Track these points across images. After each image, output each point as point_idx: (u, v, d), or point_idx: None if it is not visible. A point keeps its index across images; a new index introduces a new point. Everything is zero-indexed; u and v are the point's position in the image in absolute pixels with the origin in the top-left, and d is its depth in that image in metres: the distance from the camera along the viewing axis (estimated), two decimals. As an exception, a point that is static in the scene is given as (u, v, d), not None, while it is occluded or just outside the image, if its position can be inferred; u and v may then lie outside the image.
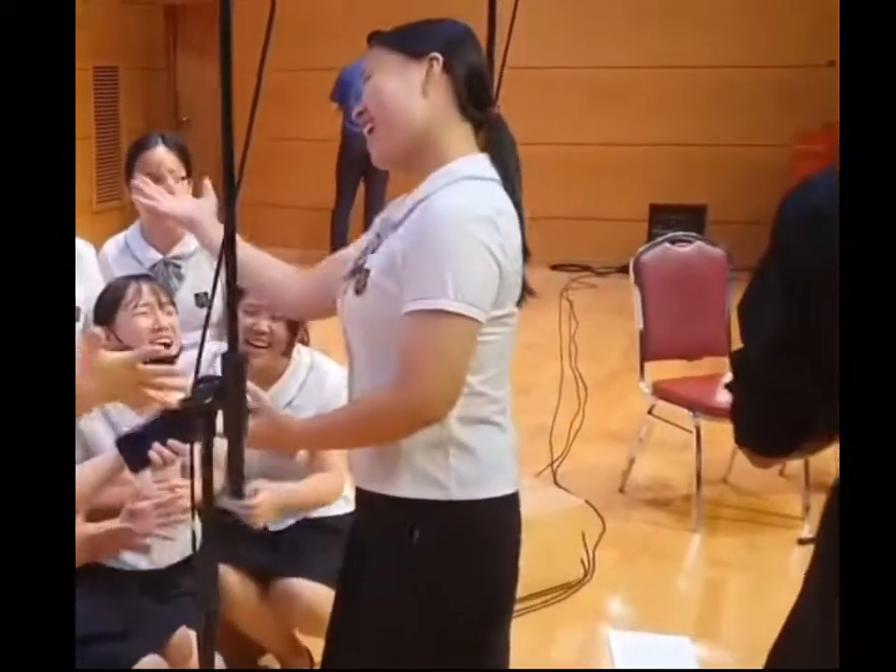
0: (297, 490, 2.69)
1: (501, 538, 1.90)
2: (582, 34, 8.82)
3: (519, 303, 1.87)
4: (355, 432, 1.86)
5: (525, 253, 1.86)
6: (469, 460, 1.83)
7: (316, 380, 2.78)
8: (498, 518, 1.89)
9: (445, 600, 1.85)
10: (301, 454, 2.55)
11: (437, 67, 1.83)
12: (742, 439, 1.48)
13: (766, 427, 1.44)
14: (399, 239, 1.80)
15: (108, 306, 2.61)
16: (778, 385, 1.39)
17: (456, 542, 1.84)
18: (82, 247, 3.00)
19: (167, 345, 2.55)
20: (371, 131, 1.87)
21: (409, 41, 1.87)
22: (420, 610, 1.85)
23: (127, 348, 2.54)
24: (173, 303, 2.65)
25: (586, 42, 8.84)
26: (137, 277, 2.68)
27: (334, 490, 2.78)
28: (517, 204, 1.83)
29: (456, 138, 1.85)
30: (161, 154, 3.09)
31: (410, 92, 1.83)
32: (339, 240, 8.52)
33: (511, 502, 1.90)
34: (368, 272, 1.83)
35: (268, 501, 2.54)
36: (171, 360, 2.56)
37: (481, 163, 1.85)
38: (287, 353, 2.77)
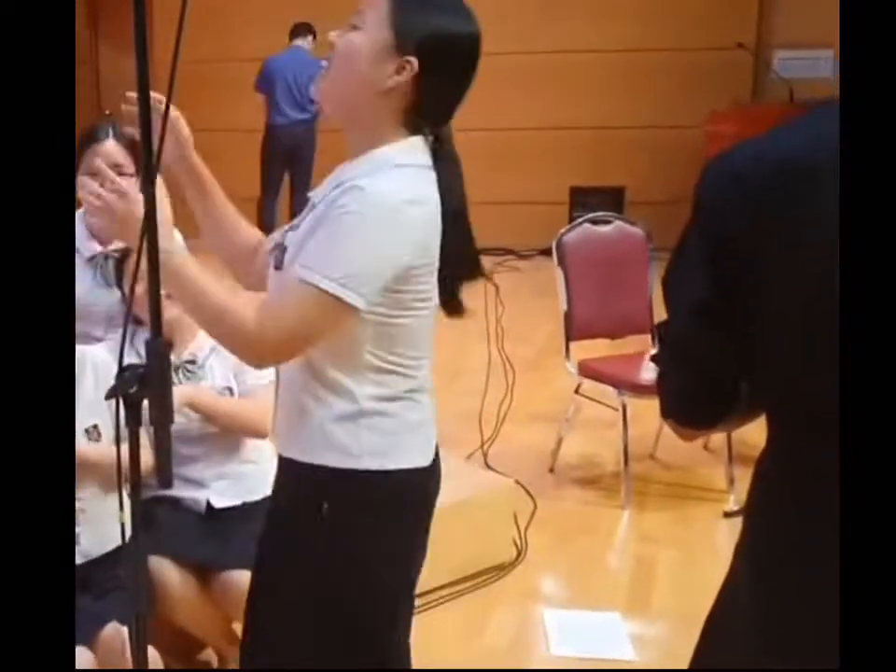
0: (215, 396, 2.73)
1: (413, 508, 1.93)
2: (497, 19, 8.83)
3: (450, 312, 1.91)
4: (206, 309, 1.83)
5: (469, 268, 1.90)
6: (381, 432, 1.86)
7: None
8: (410, 488, 1.91)
9: (357, 567, 1.88)
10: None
11: (405, 74, 1.77)
12: (667, 411, 1.48)
13: (690, 399, 1.44)
14: (314, 217, 1.82)
15: None
16: (702, 355, 1.39)
17: (368, 509, 1.87)
18: None
19: None
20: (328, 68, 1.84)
21: (407, 23, 1.77)
22: (332, 578, 1.88)
23: None
24: None
25: (501, 28, 8.85)
26: None
27: (257, 417, 2.73)
28: (451, 191, 1.84)
29: (394, 132, 1.82)
30: (110, 148, 2.99)
31: (371, 77, 1.78)
32: (267, 230, 8.43)
33: (425, 474, 1.93)
34: (285, 248, 1.85)
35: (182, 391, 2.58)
36: None
37: (412, 148, 1.83)
38: None
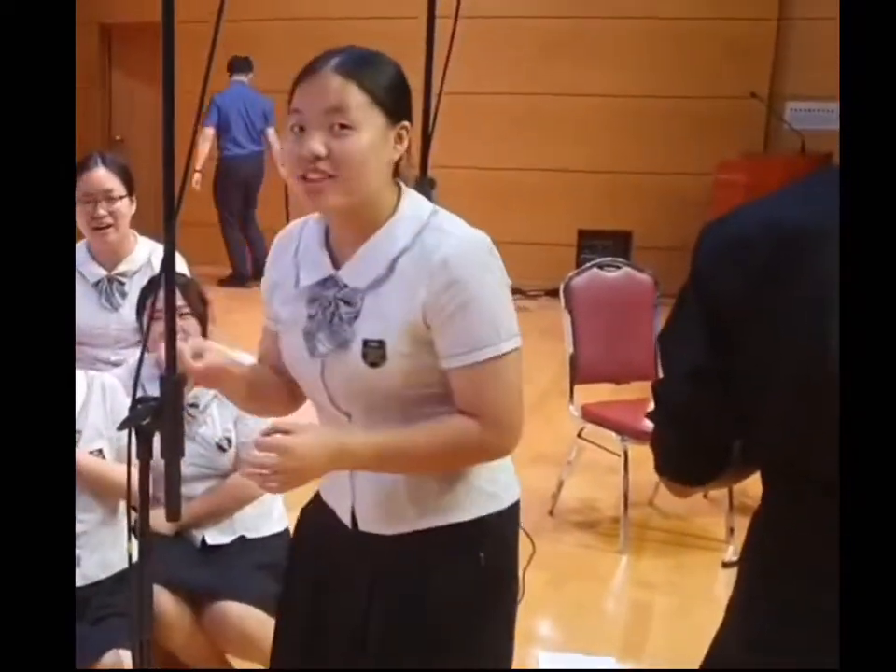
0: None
1: (517, 536, 1.97)
2: (510, 59, 8.94)
3: None
4: (438, 459, 1.79)
5: None
6: (505, 465, 1.89)
7: None
8: (518, 516, 1.96)
9: (509, 591, 1.95)
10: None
11: (406, 138, 1.77)
12: (661, 468, 1.50)
13: (684, 458, 1.46)
14: (403, 298, 1.73)
15: None
16: (696, 417, 1.40)
17: (510, 540, 1.92)
18: None
19: None
20: (326, 178, 1.70)
21: (388, 97, 1.74)
22: (497, 612, 1.94)
23: None
24: None
25: (516, 68, 8.96)
26: None
27: (248, 493, 2.79)
28: None
29: (393, 192, 1.81)
30: (101, 175, 3.11)
31: (382, 163, 1.74)
32: (238, 258, 8.88)
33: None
34: (383, 343, 1.74)
35: None
36: None
37: (419, 198, 1.83)
38: None
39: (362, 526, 1.91)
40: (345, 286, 1.79)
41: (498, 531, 1.89)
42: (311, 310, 1.82)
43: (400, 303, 1.74)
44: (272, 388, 1.97)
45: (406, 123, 1.77)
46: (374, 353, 1.75)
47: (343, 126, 1.70)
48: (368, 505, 1.89)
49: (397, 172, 1.81)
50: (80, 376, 2.66)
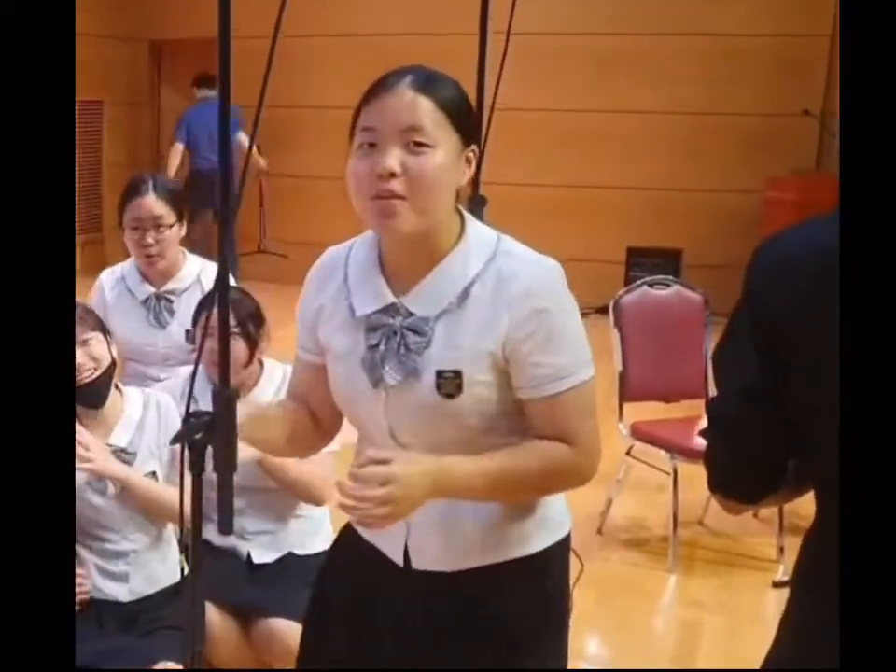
0: (286, 461, 2.69)
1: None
2: (559, 76, 8.93)
3: None
4: (544, 483, 1.77)
5: None
6: (562, 495, 1.89)
7: None
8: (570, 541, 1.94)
9: (565, 622, 1.93)
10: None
11: (473, 162, 1.73)
12: (715, 486, 1.50)
13: (738, 475, 1.46)
14: (481, 327, 1.70)
15: None
16: (750, 434, 1.41)
17: (568, 571, 1.91)
18: None
19: (88, 378, 2.54)
20: (398, 199, 1.65)
21: (462, 119, 1.70)
22: (562, 634, 1.92)
23: None
24: (92, 325, 2.59)
25: (564, 85, 8.96)
26: None
27: (321, 485, 2.74)
28: None
29: (451, 224, 1.76)
30: (150, 202, 3.10)
31: (454, 184, 1.71)
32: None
33: None
34: (459, 373, 1.69)
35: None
36: (101, 384, 2.57)
37: (478, 221, 1.81)
38: (246, 365, 2.77)
39: (417, 564, 1.84)
40: (411, 314, 1.73)
41: (561, 559, 1.88)
42: (371, 339, 1.76)
43: (478, 333, 1.70)
44: (307, 427, 1.91)
45: (474, 147, 1.73)
46: (450, 383, 1.70)
47: (419, 144, 1.64)
48: (426, 541, 1.82)
49: (457, 196, 1.76)
50: (136, 394, 2.68)
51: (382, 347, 1.75)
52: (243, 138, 8.42)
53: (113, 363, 2.61)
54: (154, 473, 2.60)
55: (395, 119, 1.65)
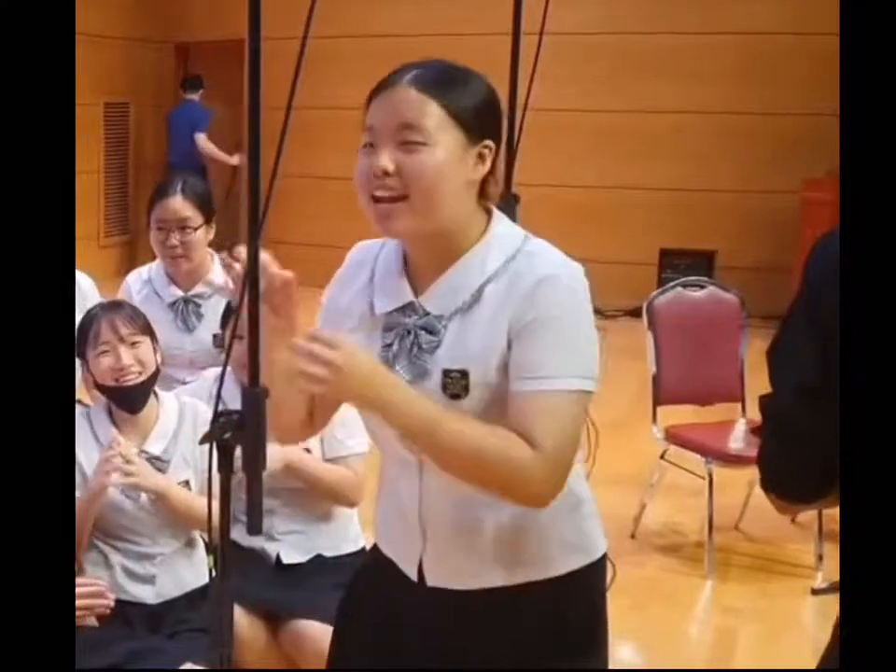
0: (315, 461, 2.70)
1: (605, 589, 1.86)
2: (592, 76, 8.89)
3: None
4: (475, 459, 1.60)
5: None
6: (594, 515, 1.80)
7: None
8: (606, 568, 1.84)
9: (600, 651, 1.83)
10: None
11: (488, 159, 1.66)
12: (769, 485, 1.47)
13: (794, 474, 1.43)
14: (488, 325, 1.64)
15: (79, 342, 2.60)
16: (807, 432, 1.38)
17: (595, 603, 1.81)
18: (84, 282, 3.03)
19: (133, 381, 2.53)
20: (396, 199, 1.62)
21: (471, 116, 1.64)
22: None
23: (98, 384, 2.58)
24: (142, 329, 2.59)
25: (598, 85, 8.91)
26: (102, 309, 2.63)
27: (352, 487, 2.76)
28: None
29: (473, 223, 1.71)
30: (177, 203, 3.10)
31: (460, 184, 1.64)
32: None
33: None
34: (466, 373, 1.64)
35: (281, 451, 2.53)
36: (142, 389, 2.56)
37: (507, 221, 1.75)
38: None
39: (431, 581, 1.78)
40: (426, 313, 1.69)
41: (588, 586, 1.79)
42: (387, 338, 1.71)
43: (486, 331, 1.64)
44: (301, 420, 1.84)
45: (489, 143, 1.67)
46: (456, 384, 1.64)
47: (414, 142, 1.61)
48: (441, 557, 1.76)
49: (484, 194, 1.71)
50: (173, 401, 2.66)
51: (395, 346, 1.70)
52: (199, 138, 9.40)
53: (157, 370, 2.60)
54: (188, 482, 2.58)
55: (390, 117, 1.62)
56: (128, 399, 2.56)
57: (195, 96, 9.72)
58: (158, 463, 2.56)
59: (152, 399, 2.62)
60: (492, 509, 1.70)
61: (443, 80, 1.66)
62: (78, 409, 2.71)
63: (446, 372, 1.65)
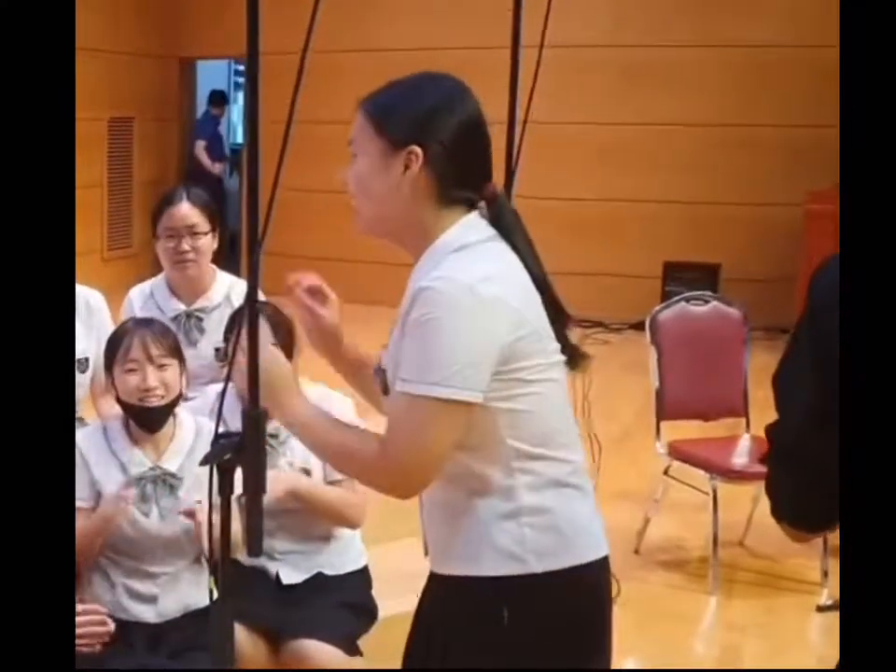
0: (317, 486, 2.72)
1: (590, 608, 1.82)
2: (592, 89, 8.89)
3: (573, 366, 1.83)
4: (340, 455, 1.83)
5: (561, 314, 1.82)
6: (545, 528, 1.75)
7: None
8: (587, 587, 1.80)
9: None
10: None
11: (415, 165, 1.74)
12: (779, 513, 1.45)
13: (804, 502, 1.41)
14: (398, 330, 1.76)
15: (107, 356, 2.61)
16: (815, 459, 1.36)
17: (544, 617, 1.76)
18: (93, 297, 3.02)
19: (155, 404, 2.54)
20: (355, 202, 1.83)
21: (390, 125, 1.76)
22: None
23: (120, 401, 2.57)
24: (172, 352, 2.60)
25: (599, 98, 8.91)
26: (135, 326, 2.64)
27: (354, 510, 2.76)
28: (528, 267, 1.78)
29: (439, 220, 1.78)
30: (185, 210, 3.10)
31: (389, 187, 1.76)
32: None
33: (598, 567, 1.82)
34: (384, 371, 1.80)
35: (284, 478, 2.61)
36: (164, 411, 2.56)
37: (467, 227, 1.77)
38: None
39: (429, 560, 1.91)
40: (400, 316, 1.79)
41: (531, 601, 1.76)
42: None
43: (398, 334, 1.75)
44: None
45: (414, 148, 1.73)
46: (382, 381, 1.81)
47: (353, 154, 1.81)
48: (428, 537, 1.89)
49: (441, 197, 1.76)
50: (190, 420, 2.65)
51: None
52: (196, 145, 10.35)
53: (180, 393, 2.61)
54: (200, 502, 2.56)
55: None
56: (148, 419, 2.57)
57: (217, 111, 10.87)
58: (172, 480, 2.56)
59: (170, 418, 2.62)
60: (440, 499, 1.81)
61: (380, 94, 1.81)
62: (95, 424, 2.72)
63: (377, 369, 1.84)
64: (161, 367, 2.55)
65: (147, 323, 2.68)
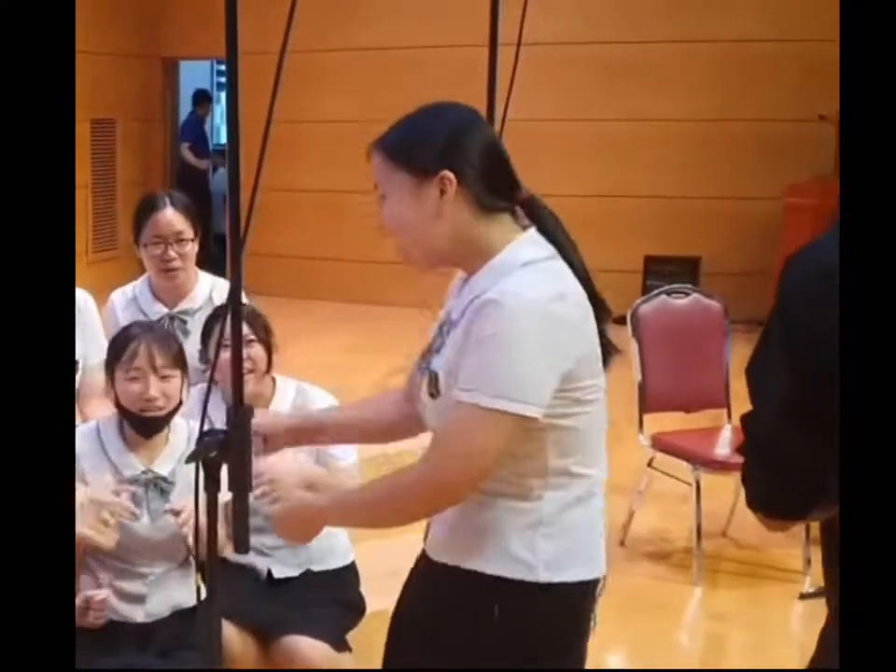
0: (328, 475, 2.70)
1: (579, 620, 1.86)
2: (573, 87, 8.91)
3: (605, 363, 1.86)
4: (383, 508, 1.85)
5: (604, 311, 1.86)
6: (560, 542, 1.80)
7: (304, 405, 2.79)
8: (580, 603, 1.85)
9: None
10: None
11: (450, 189, 1.77)
12: (754, 502, 1.48)
13: (778, 492, 1.43)
14: (458, 339, 1.77)
15: (110, 358, 2.60)
16: (789, 450, 1.38)
17: (533, 623, 1.80)
18: (81, 298, 3.01)
19: (154, 414, 2.54)
20: (400, 242, 1.85)
21: (415, 156, 1.79)
22: None
23: (120, 406, 2.55)
24: (176, 363, 2.60)
25: (578, 95, 8.93)
26: (142, 332, 2.62)
27: None
28: (583, 277, 1.83)
29: (493, 232, 1.82)
30: (171, 216, 3.08)
31: (427, 216, 1.78)
32: None
33: (594, 588, 1.88)
34: (437, 375, 1.81)
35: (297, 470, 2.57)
36: (162, 421, 2.56)
37: (531, 244, 1.81)
38: (269, 370, 2.81)
39: (426, 547, 1.93)
40: (450, 318, 1.85)
41: (529, 605, 1.79)
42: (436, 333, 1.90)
43: (455, 342, 1.78)
44: (366, 417, 2.09)
45: (446, 173, 1.76)
46: (433, 385, 1.81)
47: (382, 197, 1.83)
48: (436, 525, 1.90)
49: (486, 209, 1.80)
50: (182, 426, 2.65)
51: (436, 341, 1.89)
52: (181, 147, 10.47)
53: (180, 403, 2.61)
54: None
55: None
56: (145, 427, 2.57)
57: (202, 111, 11.15)
58: (164, 484, 2.57)
59: None
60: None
61: (393, 131, 1.83)
62: (88, 424, 2.72)
63: (431, 373, 1.82)
64: (164, 378, 2.54)
65: (152, 330, 2.67)
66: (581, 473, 1.82)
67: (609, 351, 1.86)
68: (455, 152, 1.78)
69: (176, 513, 2.46)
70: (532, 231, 1.83)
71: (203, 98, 11.18)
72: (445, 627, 1.84)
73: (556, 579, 1.79)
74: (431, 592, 1.91)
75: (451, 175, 1.77)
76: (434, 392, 1.80)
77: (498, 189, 1.82)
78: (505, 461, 1.75)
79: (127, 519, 2.45)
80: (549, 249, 1.82)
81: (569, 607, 1.83)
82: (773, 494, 1.44)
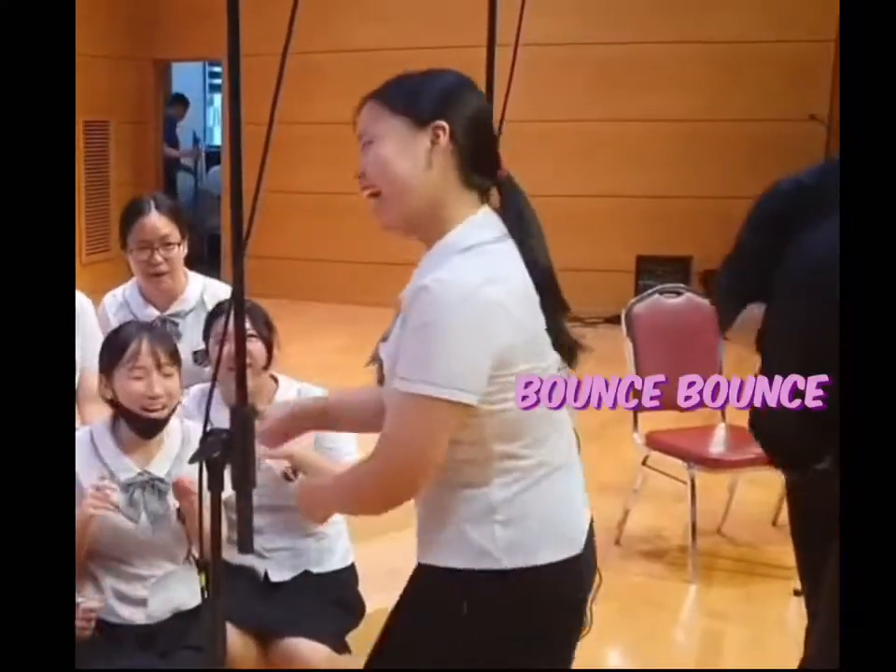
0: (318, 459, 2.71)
1: (558, 605, 1.83)
2: (565, 86, 8.93)
3: (571, 363, 1.85)
4: (349, 501, 1.92)
5: (556, 299, 1.83)
6: (518, 527, 1.78)
7: None
8: (557, 585, 1.82)
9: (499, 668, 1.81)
10: None
11: (444, 138, 1.77)
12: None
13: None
14: (398, 327, 1.78)
15: (109, 359, 2.57)
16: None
17: (504, 613, 1.78)
18: (81, 303, 3.00)
19: (158, 413, 2.54)
20: (373, 195, 1.81)
21: (413, 103, 1.78)
22: None
23: (119, 405, 2.55)
24: (176, 359, 2.60)
25: (571, 95, 8.95)
26: (140, 331, 2.61)
27: None
28: (535, 261, 1.81)
29: (459, 206, 1.80)
30: (156, 220, 3.07)
31: (416, 165, 1.77)
32: None
33: (571, 566, 1.84)
34: (382, 362, 1.82)
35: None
36: (164, 421, 2.57)
37: (480, 226, 1.80)
38: (267, 367, 2.80)
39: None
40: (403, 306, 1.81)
41: (499, 596, 1.79)
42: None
43: (398, 326, 1.78)
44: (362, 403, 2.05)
45: (441, 122, 1.76)
46: (380, 371, 1.85)
47: (367, 143, 1.81)
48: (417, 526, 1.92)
49: (465, 183, 1.79)
50: (177, 426, 2.64)
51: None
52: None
53: (178, 402, 2.61)
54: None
55: (358, 129, 1.84)
56: (145, 427, 2.55)
57: (176, 112, 11.13)
58: (160, 485, 2.55)
59: None
60: (423, 492, 1.81)
61: (393, 84, 1.83)
62: (81, 430, 2.69)
63: (379, 360, 1.87)
64: (167, 375, 2.54)
65: (151, 328, 2.66)
66: (530, 456, 1.79)
67: (572, 349, 1.85)
68: (451, 105, 1.78)
69: (184, 491, 2.45)
70: (485, 207, 1.82)
71: (177, 100, 11.33)
72: (417, 625, 1.84)
73: (522, 564, 1.77)
74: (407, 590, 1.91)
75: (445, 124, 1.77)
76: (381, 379, 1.83)
77: (483, 160, 1.82)
78: (451, 449, 1.74)
79: (109, 510, 2.44)
80: (498, 230, 1.81)
81: (545, 590, 1.80)
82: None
